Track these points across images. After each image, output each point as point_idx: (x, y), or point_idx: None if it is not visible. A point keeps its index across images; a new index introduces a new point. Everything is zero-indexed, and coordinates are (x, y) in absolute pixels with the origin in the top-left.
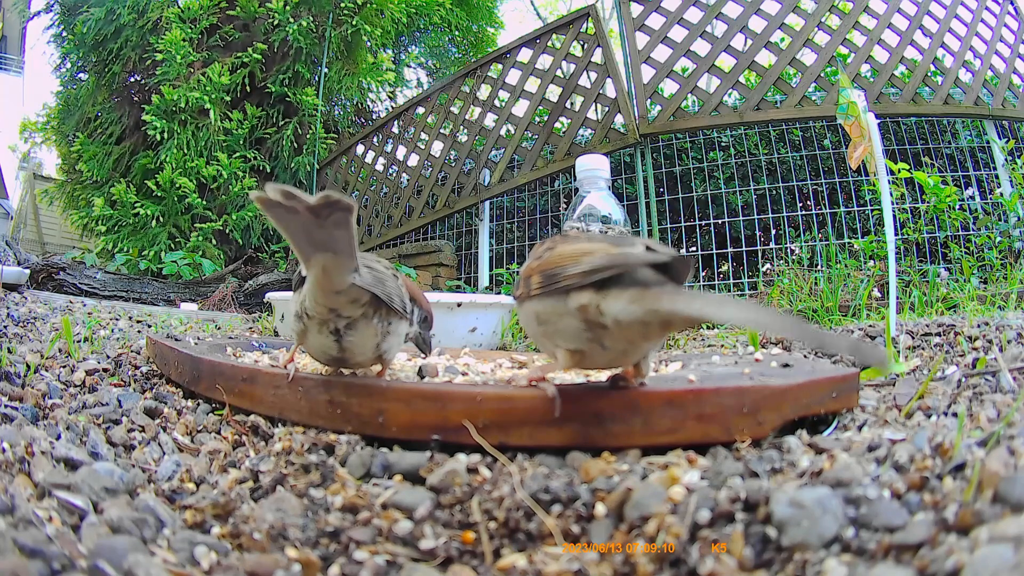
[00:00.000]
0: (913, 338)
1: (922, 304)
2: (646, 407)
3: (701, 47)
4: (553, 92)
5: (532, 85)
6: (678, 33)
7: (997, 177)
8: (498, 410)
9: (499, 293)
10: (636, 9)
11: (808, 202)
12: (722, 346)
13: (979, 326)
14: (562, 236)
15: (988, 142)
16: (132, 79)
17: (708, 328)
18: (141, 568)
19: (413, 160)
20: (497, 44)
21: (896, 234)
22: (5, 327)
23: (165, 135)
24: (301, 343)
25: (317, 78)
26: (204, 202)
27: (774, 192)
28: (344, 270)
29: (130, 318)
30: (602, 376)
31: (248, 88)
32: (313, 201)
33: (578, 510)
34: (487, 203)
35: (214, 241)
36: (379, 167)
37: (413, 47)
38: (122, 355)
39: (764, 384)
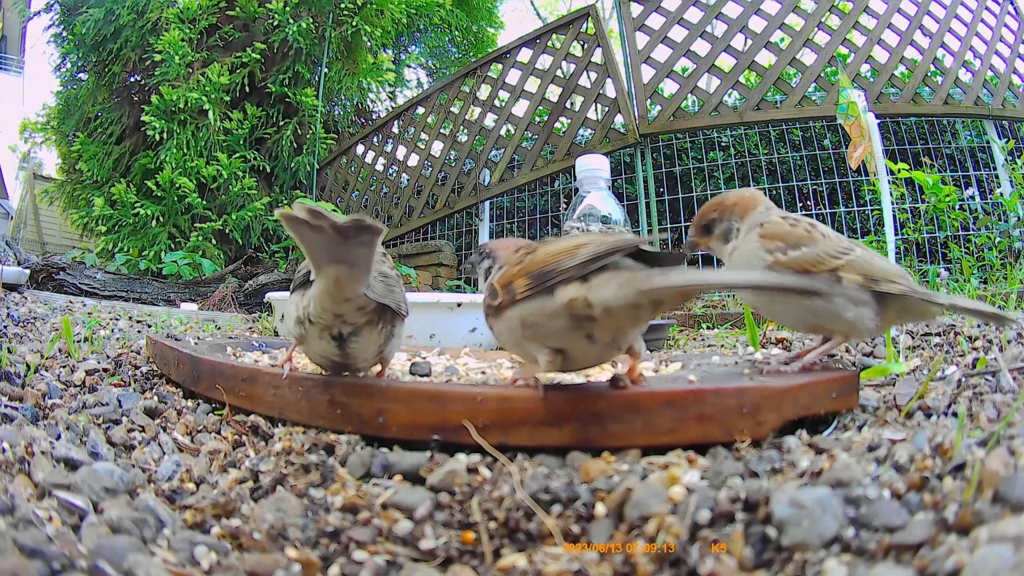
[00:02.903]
0: (913, 338)
1: None
2: (646, 407)
3: (701, 47)
4: (553, 92)
5: (532, 85)
6: (678, 33)
7: (997, 177)
8: (498, 410)
9: None
10: (636, 9)
11: (808, 202)
12: (722, 346)
13: (979, 326)
14: (540, 241)
15: (988, 142)
16: (132, 79)
17: (708, 328)
18: (141, 568)
19: (413, 160)
20: (497, 44)
21: (896, 234)
22: (5, 327)
23: (165, 135)
24: (300, 345)
25: (317, 78)
26: (204, 202)
27: (774, 192)
28: (359, 283)
29: (130, 318)
30: (602, 376)
31: (248, 88)
32: (342, 223)
33: (578, 510)
34: (487, 203)
35: (214, 241)
36: (379, 167)
37: (413, 47)
38: (122, 355)
39: (764, 384)
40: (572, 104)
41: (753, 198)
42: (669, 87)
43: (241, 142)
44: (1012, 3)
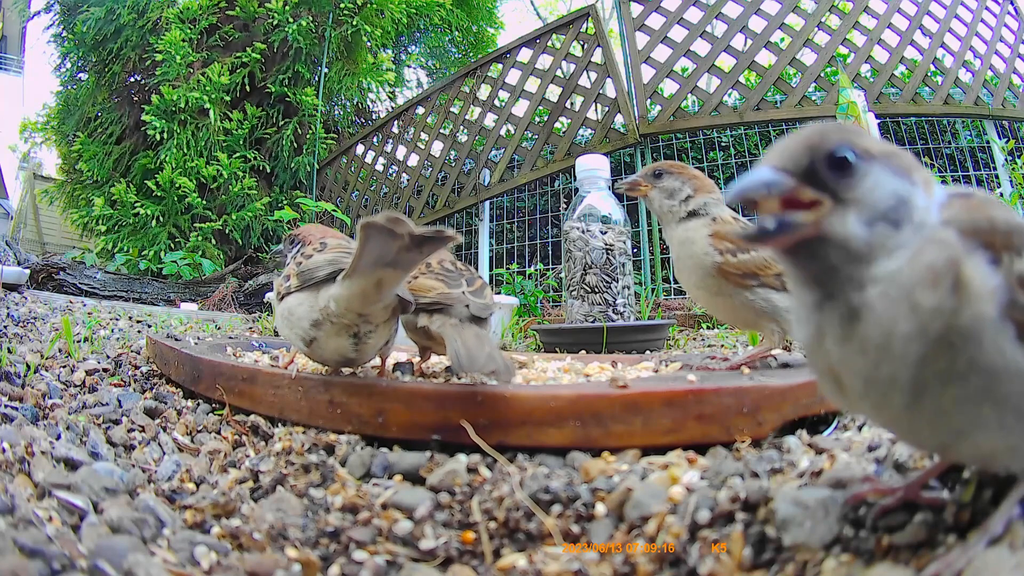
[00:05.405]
0: None
1: None
2: (646, 407)
3: (701, 47)
4: (553, 92)
5: (532, 85)
6: (678, 33)
7: (997, 177)
8: (498, 410)
9: (499, 293)
10: (636, 9)
11: None
12: (722, 346)
13: None
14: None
15: (988, 142)
16: (132, 79)
17: (708, 328)
18: (141, 568)
19: (413, 160)
20: (497, 44)
21: None
22: (5, 327)
23: (165, 135)
24: (308, 347)
25: (317, 78)
26: (204, 202)
27: None
28: (398, 285)
29: (130, 318)
30: (602, 376)
31: (248, 88)
32: (420, 232)
33: (578, 510)
34: (487, 203)
35: (214, 241)
36: (379, 167)
37: (413, 47)
38: (122, 355)
39: (764, 384)
40: (572, 104)
41: (711, 184)
42: (669, 87)
43: (241, 142)
44: (1012, 3)
